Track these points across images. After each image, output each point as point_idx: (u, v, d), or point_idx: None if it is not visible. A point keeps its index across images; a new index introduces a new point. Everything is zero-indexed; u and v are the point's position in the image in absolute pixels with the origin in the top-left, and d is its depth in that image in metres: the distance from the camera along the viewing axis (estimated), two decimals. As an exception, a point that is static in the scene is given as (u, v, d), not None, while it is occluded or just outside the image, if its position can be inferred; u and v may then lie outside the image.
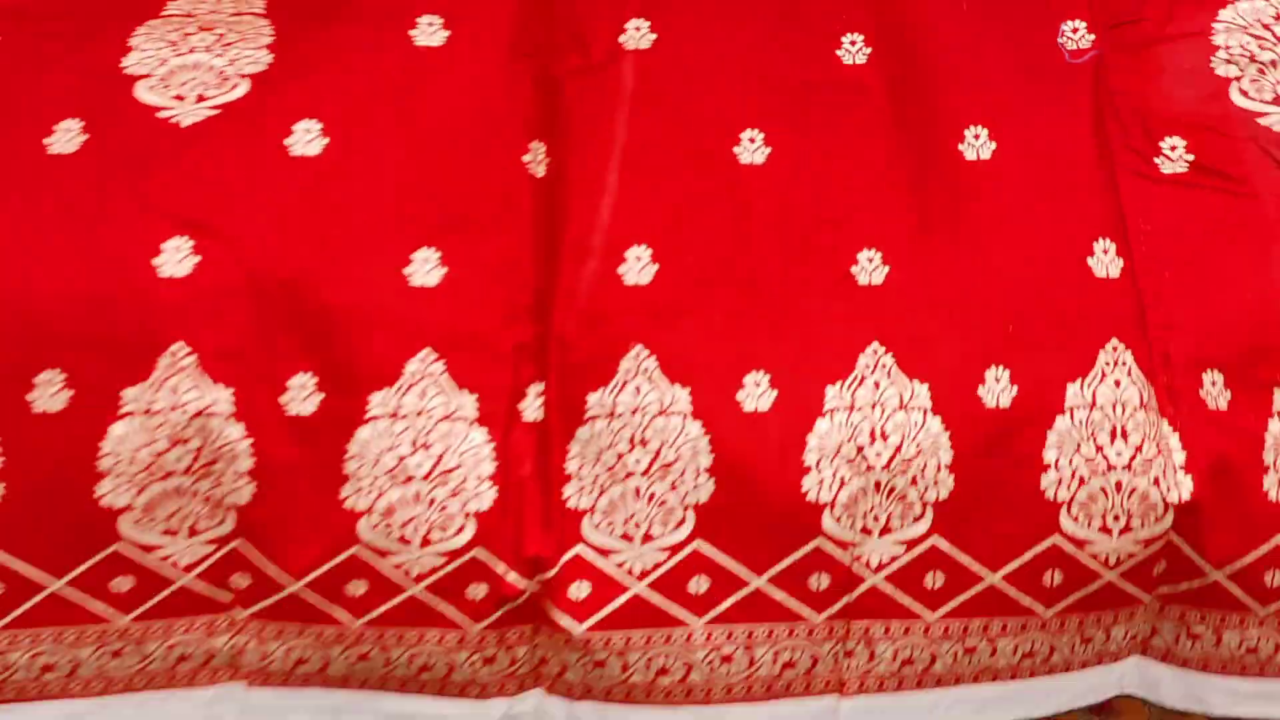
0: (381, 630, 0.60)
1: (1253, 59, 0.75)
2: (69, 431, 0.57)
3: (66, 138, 0.63)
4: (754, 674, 0.62)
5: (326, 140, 0.65)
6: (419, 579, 0.59)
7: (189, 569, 0.59)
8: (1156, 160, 0.75)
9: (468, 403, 0.61)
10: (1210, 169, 0.73)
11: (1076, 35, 0.80)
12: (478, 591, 0.60)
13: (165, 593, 0.58)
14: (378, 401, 0.60)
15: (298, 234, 0.63)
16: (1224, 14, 0.76)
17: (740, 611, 0.61)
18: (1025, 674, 0.64)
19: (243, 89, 0.64)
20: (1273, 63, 0.76)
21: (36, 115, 0.62)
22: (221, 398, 0.58)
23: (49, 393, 0.57)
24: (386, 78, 0.70)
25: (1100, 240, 0.71)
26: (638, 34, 0.76)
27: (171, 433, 0.57)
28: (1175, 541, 0.62)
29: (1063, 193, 0.73)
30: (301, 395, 0.59)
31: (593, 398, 0.62)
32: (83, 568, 0.58)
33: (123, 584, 0.59)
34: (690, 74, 0.76)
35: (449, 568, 0.59)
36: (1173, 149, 0.74)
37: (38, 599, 0.58)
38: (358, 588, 0.59)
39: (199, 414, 0.58)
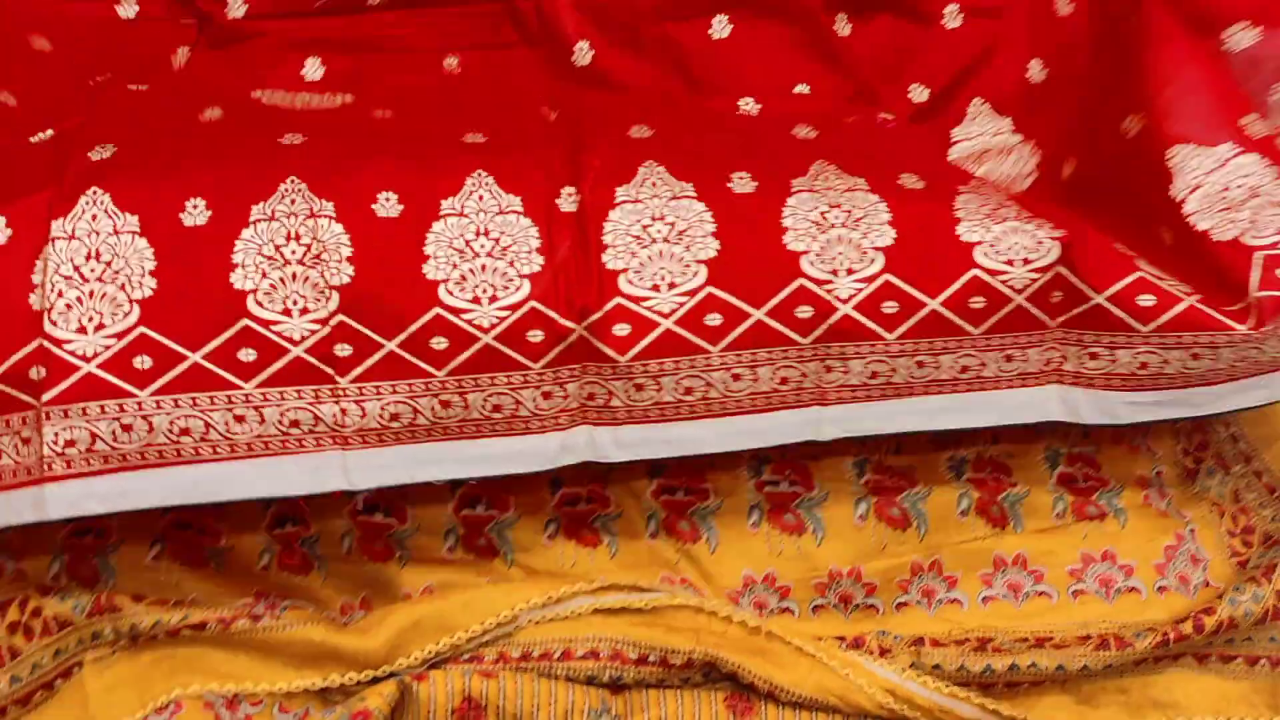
0: (460, 377, 0.74)
1: None
2: (211, 237, 0.73)
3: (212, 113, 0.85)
4: (757, 389, 0.78)
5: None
6: (489, 330, 0.74)
7: (301, 342, 0.73)
8: None
9: (515, 201, 0.77)
10: None
11: None
12: (536, 336, 0.74)
13: (281, 362, 0.73)
14: (446, 205, 0.76)
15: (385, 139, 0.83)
16: None
17: (746, 339, 0.76)
18: (964, 387, 0.81)
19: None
20: None
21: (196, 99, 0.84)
22: (328, 206, 0.75)
23: (196, 212, 0.74)
24: None
25: None
26: None
27: (288, 231, 0.74)
28: (1063, 272, 0.77)
29: None
30: (387, 205, 0.75)
31: (621, 190, 0.79)
32: (217, 341, 0.72)
33: (247, 354, 0.72)
34: None
35: (512, 318, 0.74)
36: None
37: (181, 368, 0.72)
38: (440, 343, 0.73)
39: (310, 215, 0.74)
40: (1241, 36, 0.84)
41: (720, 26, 0.99)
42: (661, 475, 0.87)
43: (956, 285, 0.77)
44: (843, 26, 1.01)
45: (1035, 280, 0.77)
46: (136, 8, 1.00)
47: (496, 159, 0.79)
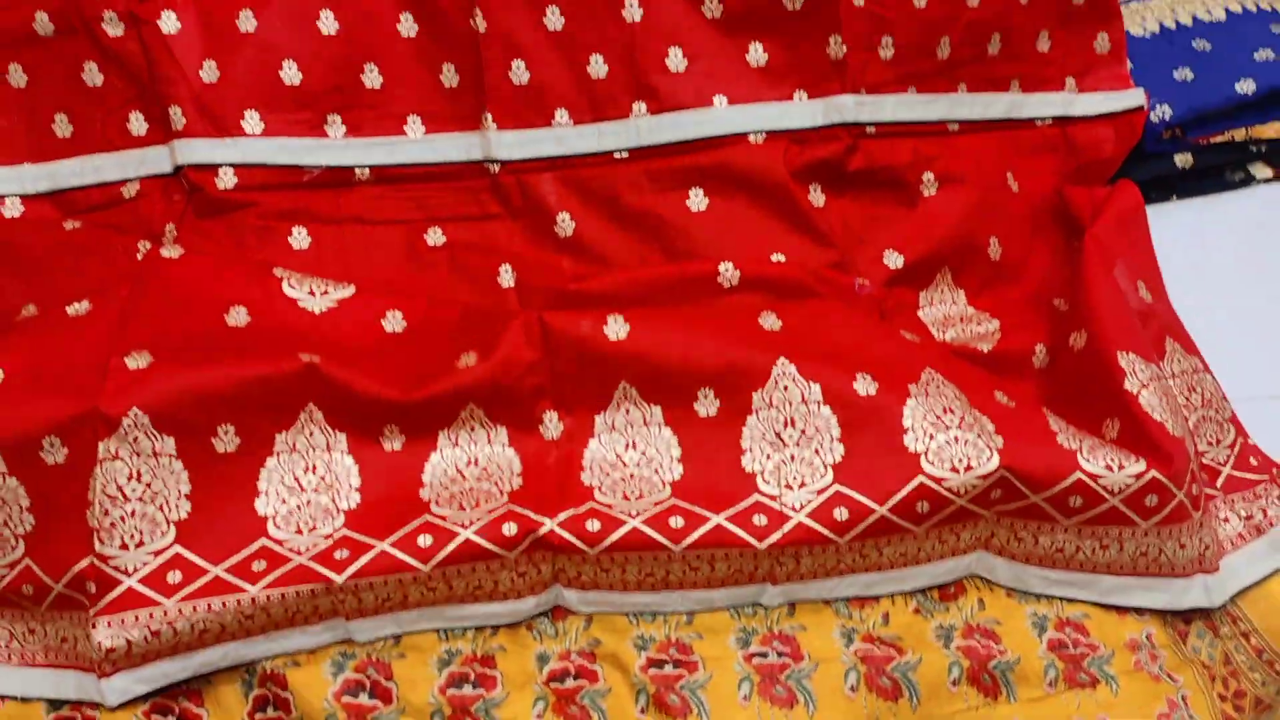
0: (445, 569, 0.81)
1: None
2: (239, 463, 0.83)
3: (238, 316, 0.91)
4: (714, 574, 0.85)
5: (405, 324, 0.94)
6: (468, 525, 0.81)
7: (306, 551, 0.81)
8: None
9: (502, 433, 0.88)
10: None
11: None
12: (510, 529, 0.81)
13: (286, 568, 0.80)
14: (443, 438, 0.87)
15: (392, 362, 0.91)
16: None
17: (707, 540, 0.83)
18: (899, 565, 0.86)
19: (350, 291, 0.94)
20: None
21: (217, 299, 0.91)
22: (341, 439, 0.86)
23: (226, 438, 0.83)
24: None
25: None
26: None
27: (306, 463, 0.84)
28: (1006, 475, 0.83)
29: None
30: (390, 437, 0.87)
31: (599, 418, 0.89)
32: (237, 558, 0.80)
33: (259, 565, 0.80)
34: None
35: (489, 518, 0.82)
36: None
37: (203, 580, 0.80)
38: (425, 540, 0.81)
39: (328, 449, 0.85)
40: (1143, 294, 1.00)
41: (697, 199, 1.03)
42: (649, 649, 0.86)
43: (903, 492, 0.83)
44: (816, 197, 1.05)
45: (977, 486, 0.83)
46: (138, 186, 1.03)
47: (486, 394, 0.88)
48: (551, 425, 0.88)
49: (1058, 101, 1.14)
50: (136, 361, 0.84)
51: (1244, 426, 0.98)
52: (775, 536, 0.81)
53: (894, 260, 1.05)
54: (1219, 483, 0.94)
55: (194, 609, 0.78)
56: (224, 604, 0.78)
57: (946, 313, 1.04)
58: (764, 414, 0.87)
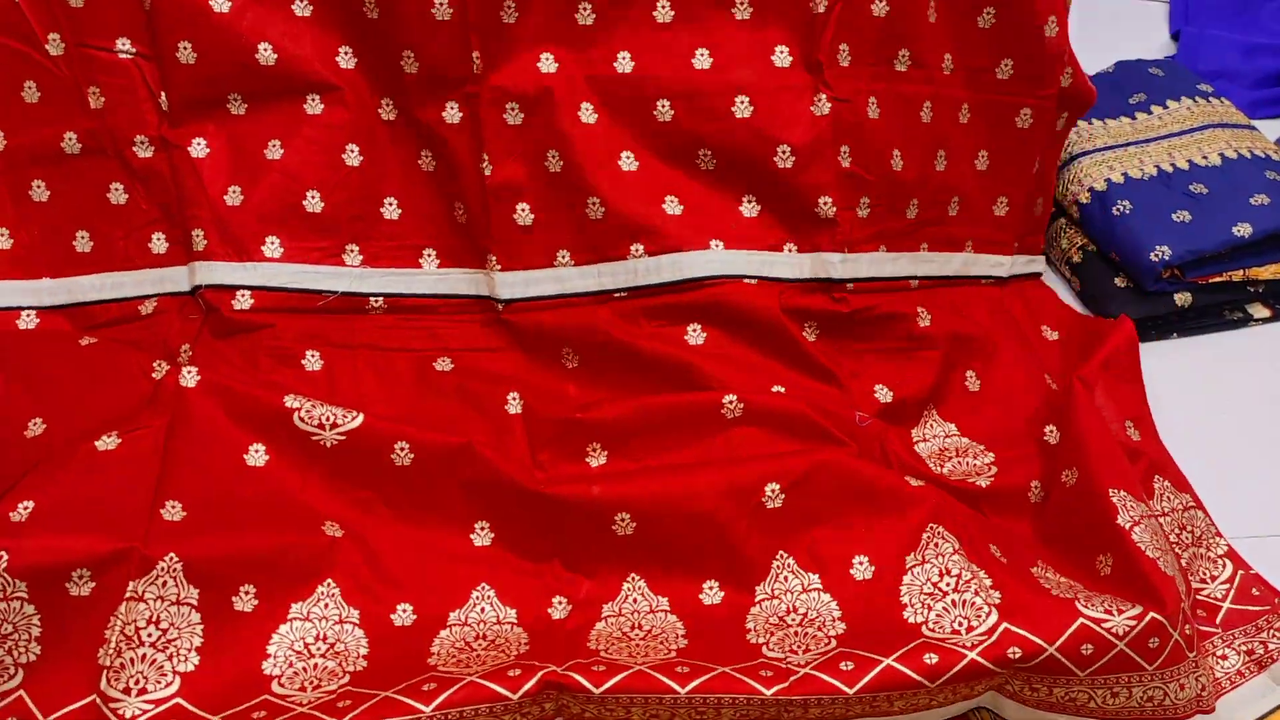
0: (447, 712, 0.78)
1: None
2: (253, 624, 0.84)
3: (257, 456, 0.93)
4: (719, 717, 0.83)
5: (413, 456, 0.93)
6: (475, 674, 0.81)
7: (309, 703, 0.80)
8: None
9: (511, 614, 0.89)
10: None
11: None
12: (516, 673, 0.80)
13: (287, 716, 0.78)
14: (453, 618, 0.88)
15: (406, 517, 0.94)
16: None
17: (714, 685, 0.81)
18: (909, 711, 0.84)
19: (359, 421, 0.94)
20: None
21: (236, 441, 0.92)
22: (353, 613, 0.87)
23: (246, 598, 0.85)
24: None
25: None
26: None
27: (317, 632, 0.85)
28: (1009, 628, 0.82)
29: None
30: (403, 615, 0.88)
31: (606, 607, 0.90)
32: (235, 709, 0.79)
33: (259, 715, 0.78)
34: None
35: (497, 666, 0.82)
36: None
37: None
38: (430, 686, 0.79)
39: (340, 622, 0.86)
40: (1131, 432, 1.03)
41: (695, 334, 1.05)
42: None
43: (906, 648, 0.82)
44: (810, 333, 1.07)
45: (983, 641, 0.82)
46: (155, 303, 1.05)
47: (499, 572, 0.91)
48: (560, 608, 0.90)
49: (1006, 263, 1.20)
50: (171, 513, 0.86)
51: (1243, 559, 0.98)
52: (783, 685, 0.80)
53: (884, 395, 1.06)
54: (1219, 619, 0.93)
55: None
56: None
57: (942, 445, 1.05)
58: (767, 605, 0.89)
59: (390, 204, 1.07)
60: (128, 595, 0.81)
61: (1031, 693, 0.85)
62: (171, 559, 0.83)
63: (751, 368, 1.03)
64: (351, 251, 1.07)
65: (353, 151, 1.06)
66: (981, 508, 0.99)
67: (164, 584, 0.82)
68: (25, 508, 0.84)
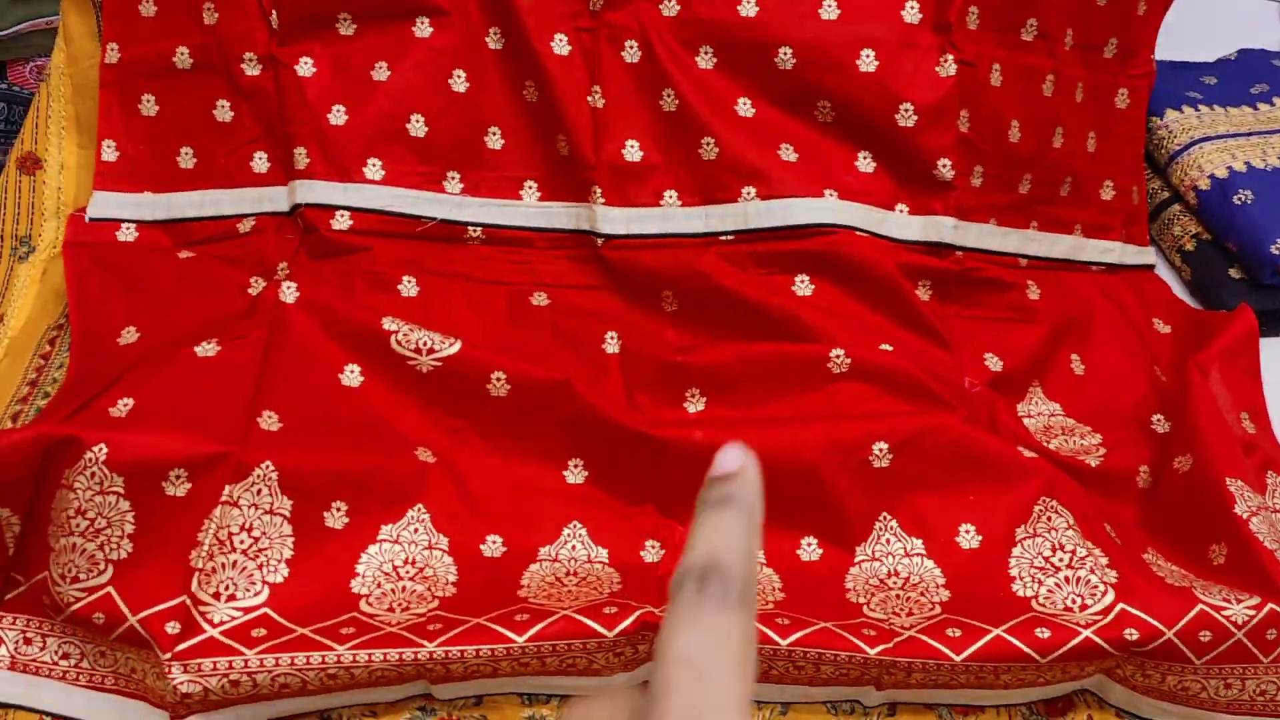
0: (539, 643, 0.76)
1: None
2: (343, 542, 0.83)
3: (352, 376, 0.92)
4: (818, 675, 0.80)
5: (509, 388, 0.91)
6: (569, 605, 0.79)
7: (399, 623, 0.78)
8: None
9: (602, 553, 0.87)
10: None
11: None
12: (611, 610, 0.78)
13: (376, 634, 0.76)
14: (543, 553, 0.86)
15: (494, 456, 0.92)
16: None
17: (815, 638, 0.78)
18: (1016, 687, 0.82)
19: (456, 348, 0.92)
20: None
21: (333, 359, 0.91)
22: (442, 540, 0.84)
23: (338, 515, 0.83)
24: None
25: None
26: None
27: (406, 556, 0.83)
28: (1125, 609, 0.79)
29: None
30: (493, 546, 0.86)
31: None
32: (325, 623, 0.77)
33: (347, 630, 0.76)
34: None
35: (590, 601, 0.80)
36: None
37: (288, 638, 0.76)
38: (522, 616, 0.77)
39: (429, 548, 0.84)
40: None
41: (803, 285, 1.02)
42: None
43: (1016, 620, 0.79)
44: (923, 292, 1.03)
45: (1098, 620, 0.79)
46: (254, 222, 1.04)
47: (591, 511, 0.88)
48: (652, 551, 0.87)
49: (1115, 250, 1.17)
50: (268, 423, 0.85)
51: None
52: (886, 646, 0.77)
53: (994, 364, 1.03)
54: None
55: (276, 662, 0.75)
56: (308, 659, 0.75)
57: (1047, 423, 1.02)
58: (867, 566, 0.86)
59: (494, 133, 1.06)
60: (223, 499, 0.80)
61: (1143, 679, 0.82)
62: (267, 467, 0.82)
63: (860, 323, 1.00)
64: (452, 179, 1.06)
65: (459, 77, 1.04)
66: (1090, 489, 0.95)
67: (259, 491, 0.81)
68: (125, 404, 0.84)
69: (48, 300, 1.05)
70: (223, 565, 0.78)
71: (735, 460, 0.36)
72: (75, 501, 0.78)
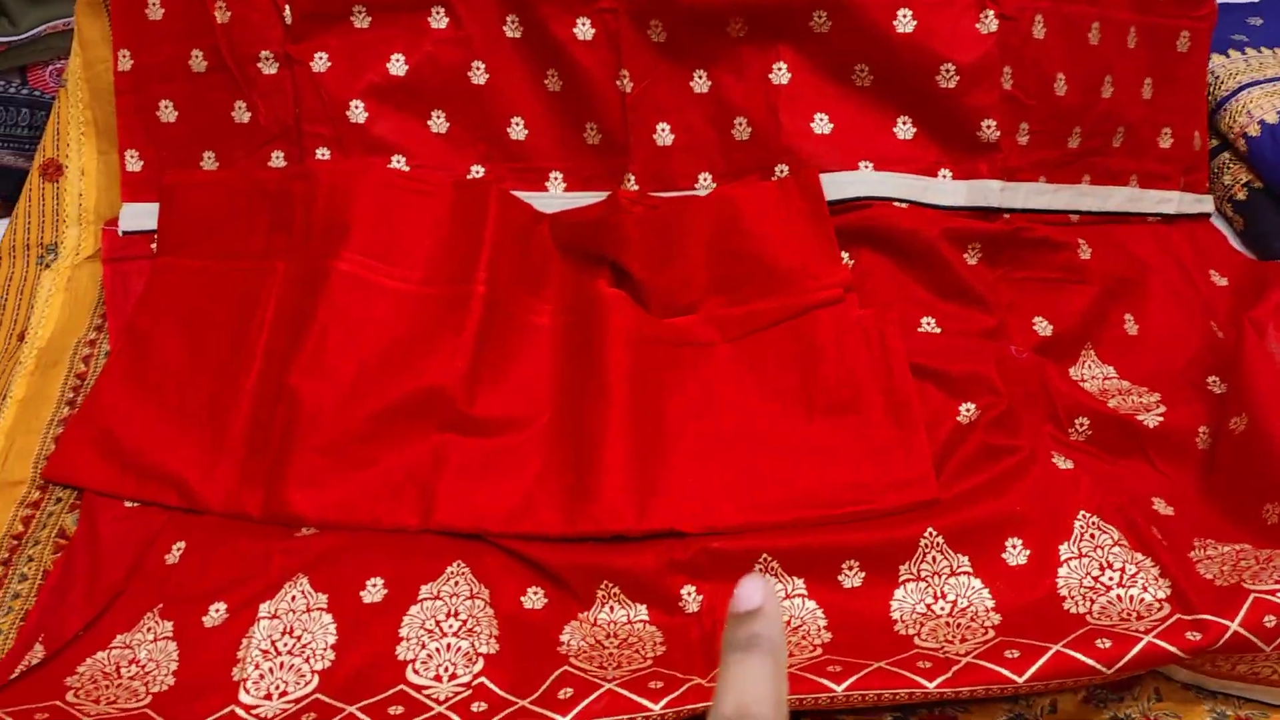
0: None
1: None
2: (383, 611, 0.80)
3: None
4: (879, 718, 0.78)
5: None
6: (612, 680, 0.75)
7: (445, 702, 0.75)
8: None
9: (641, 610, 0.82)
10: None
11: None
12: (656, 684, 0.74)
13: (424, 716, 0.74)
14: (582, 616, 0.82)
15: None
16: None
17: (871, 680, 0.74)
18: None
19: None
20: None
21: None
22: (485, 594, 0.82)
23: (374, 590, 0.82)
24: None
25: None
26: None
27: (448, 608, 0.81)
28: (1184, 618, 0.75)
29: None
30: (534, 598, 0.82)
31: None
32: (372, 699, 0.75)
33: (396, 709, 0.75)
34: None
35: (635, 675, 0.76)
36: None
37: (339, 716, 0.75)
38: (566, 693, 0.74)
39: (471, 598, 0.81)
40: None
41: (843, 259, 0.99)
42: None
43: (1075, 634, 0.74)
44: (971, 257, 1.00)
45: (1158, 626, 0.74)
46: None
47: (618, 561, 0.83)
48: (691, 600, 0.82)
49: (1174, 199, 1.12)
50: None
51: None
52: (945, 676, 0.74)
53: (1044, 328, 1.00)
54: None
55: None
56: None
57: (1102, 386, 0.99)
58: (911, 588, 0.82)
59: (517, 124, 1.03)
60: (260, 616, 0.80)
61: (1213, 668, 0.79)
62: (299, 578, 0.82)
63: (904, 295, 0.97)
64: (476, 173, 1.03)
65: (478, 69, 1.02)
66: (1149, 453, 0.92)
67: (292, 598, 0.81)
68: (178, 549, 0.86)
69: (75, 310, 1.05)
70: (270, 670, 0.77)
71: (756, 595, 0.36)
72: (130, 654, 0.79)
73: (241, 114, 1.04)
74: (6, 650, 0.80)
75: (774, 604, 0.36)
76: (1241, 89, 1.17)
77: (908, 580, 0.82)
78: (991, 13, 0.95)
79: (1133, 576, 0.80)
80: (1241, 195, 1.16)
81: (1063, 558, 0.82)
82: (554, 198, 1.04)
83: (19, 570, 0.85)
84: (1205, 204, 1.15)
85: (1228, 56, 1.20)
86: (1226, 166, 1.18)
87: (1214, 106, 1.18)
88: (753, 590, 0.36)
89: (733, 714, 0.34)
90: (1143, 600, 0.78)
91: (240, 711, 0.75)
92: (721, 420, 0.90)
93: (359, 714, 0.74)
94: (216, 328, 0.97)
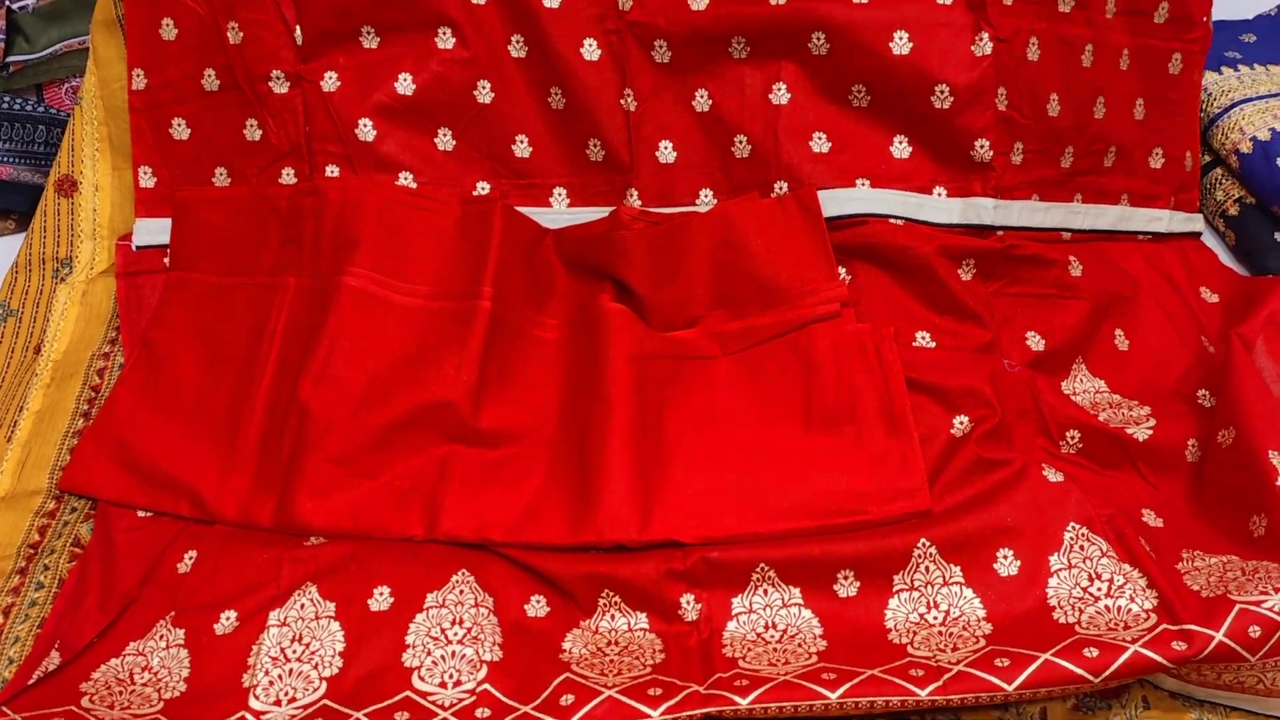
0: None
1: None
2: (390, 619, 0.83)
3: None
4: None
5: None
6: (613, 687, 0.78)
7: (450, 708, 0.78)
8: None
9: (641, 618, 0.85)
10: None
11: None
12: (656, 691, 0.77)
13: None
14: (584, 624, 0.85)
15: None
16: None
17: (864, 687, 0.76)
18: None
19: None
20: None
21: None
22: (489, 602, 0.84)
23: (381, 598, 0.84)
24: None
25: None
26: None
27: (453, 616, 0.83)
28: (1170, 628, 0.77)
29: None
30: (537, 606, 0.85)
31: (736, 600, 0.85)
32: (378, 705, 0.78)
33: (401, 716, 0.77)
34: None
35: (635, 682, 0.79)
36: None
37: None
38: (567, 699, 0.77)
39: (475, 605, 0.84)
40: None
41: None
42: None
43: (1064, 643, 0.77)
44: (965, 272, 1.02)
45: (1144, 636, 0.76)
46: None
47: (619, 570, 0.85)
48: (690, 608, 0.84)
49: (1165, 218, 1.14)
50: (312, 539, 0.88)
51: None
52: (936, 685, 0.76)
53: (1036, 343, 1.02)
54: None
55: None
56: None
57: (1093, 400, 1.00)
58: (905, 597, 0.84)
59: (521, 141, 1.05)
60: (270, 624, 0.82)
61: (1199, 677, 0.81)
62: (307, 586, 0.84)
63: (899, 311, 0.99)
64: (482, 190, 1.06)
65: (484, 88, 1.04)
66: (1139, 465, 0.94)
67: (302, 606, 0.83)
68: (190, 557, 0.88)
69: (89, 323, 1.07)
70: (280, 676, 0.80)
71: None
72: (143, 661, 0.82)
73: (253, 132, 1.06)
74: (24, 657, 0.82)
75: None
76: (1234, 105, 1.19)
77: (901, 590, 0.85)
78: (986, 35, 0.97)
79: (1120, 587, 0.81)
80: (1233, 211, 1.18)
81: (1053, 568, 0.84)
82: (558, 213, 1.06)
83: (36, 578, 0.87)
84: (1195, 223, 1.17)
85: (1220, 73, 1.22)
86: (1219, 182, 1.20)
87: (1206, 123, 1.20)
88: None
89: None
90: (1130, 610, 0.80)
91: (250, 717, 0.77)
92: (721, 432, 0.92)
93: (361, 717, 0.77)
94: (229, 341, 1.00)
